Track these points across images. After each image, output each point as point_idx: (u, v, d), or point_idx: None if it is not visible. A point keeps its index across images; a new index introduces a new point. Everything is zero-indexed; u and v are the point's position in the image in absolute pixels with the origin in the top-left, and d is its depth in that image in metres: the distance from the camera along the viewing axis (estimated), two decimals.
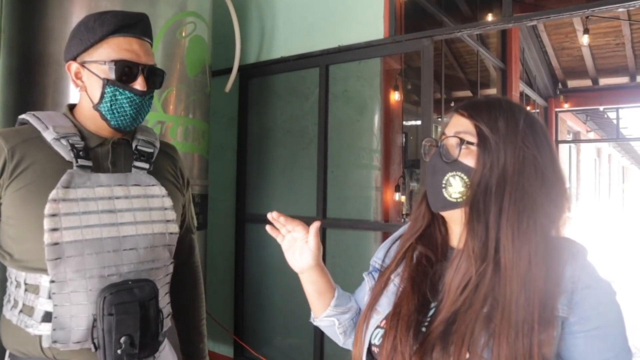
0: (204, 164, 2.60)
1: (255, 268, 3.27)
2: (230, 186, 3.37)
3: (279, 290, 3.16)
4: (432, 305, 0.88)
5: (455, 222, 0.90)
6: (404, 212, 5.16)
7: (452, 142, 0.88)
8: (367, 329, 0.94)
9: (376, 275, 1.03)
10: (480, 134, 0.85)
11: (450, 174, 0.86)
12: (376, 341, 0.91)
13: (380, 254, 1.07)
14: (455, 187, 0.86)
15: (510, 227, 0.80)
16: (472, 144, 0.85)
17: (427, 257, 0.93)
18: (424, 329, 0.84)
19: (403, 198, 4.80)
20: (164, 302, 1.23)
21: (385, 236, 3.14)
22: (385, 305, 0.93)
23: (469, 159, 0.85)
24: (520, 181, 0.81)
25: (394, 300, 0.92)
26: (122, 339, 1.05)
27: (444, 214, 0.91)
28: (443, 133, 0.92)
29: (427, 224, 0.96)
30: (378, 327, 0.92)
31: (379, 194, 3.01)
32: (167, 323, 1.24)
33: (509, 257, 0.79)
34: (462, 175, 0.85)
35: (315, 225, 1.01)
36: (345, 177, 3.00)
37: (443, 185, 0.87)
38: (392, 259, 1.00)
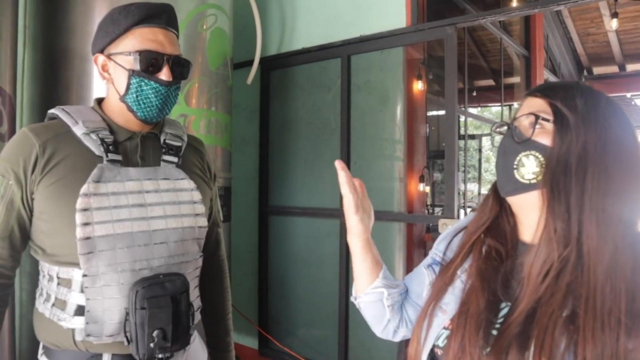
0: (226, 157, 2.60)
1: (279, 260, 3.28)
2: (253, 179, 3.38)
3: (302, 282, 3.16)
4: (503, 305, 0.81)
5: (526, 210, 0.83)
6: (428, 203, 5.11)
7: (524, 122, 0.82)
8: (429, 327, 0.88)
9: (437, 268, 0.98)
10: (556, 112, 0.78)
11: (523, 153, 0.80)
12: (439, 342, 0.85)
13: (442, 246, 1.01)
14: (528, 167, 0.79)
15: (594, 210, 0.73)
16: (547, 120, 0.79)
17: (497, 250, 0.87)
18: (494, 332, 0.77)
19: (427, 189, 4.74)
20: (194, 295, 1.23)
21: (409, 227, 3.12)
22: (452, 303, 0.87)
23: (544, 138, 0.78)
24: (604, 162, 0.74)
25: (462, 297, 0.86)
26: (155, 333, 1.05)
27: (514, 200, 0.84)
28: (515, 118, 0.86)
29: (494, 216, 0.90)
30: (444, 327, 0.86)
31: (402, 185, 2.99)
32: (198, 316, 1.24)
33: (593, 243, 0.72)
34: (537, 154, 0.78)
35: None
36: (368, 168, 2.97)
37: (515, 166, 0.80)
38: (455, 252, 0.94)
